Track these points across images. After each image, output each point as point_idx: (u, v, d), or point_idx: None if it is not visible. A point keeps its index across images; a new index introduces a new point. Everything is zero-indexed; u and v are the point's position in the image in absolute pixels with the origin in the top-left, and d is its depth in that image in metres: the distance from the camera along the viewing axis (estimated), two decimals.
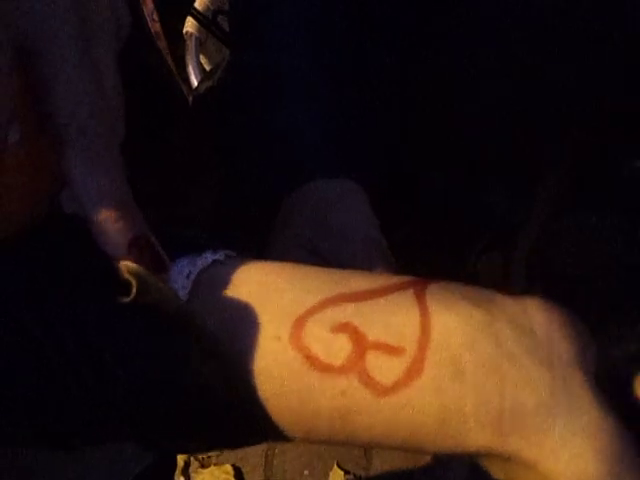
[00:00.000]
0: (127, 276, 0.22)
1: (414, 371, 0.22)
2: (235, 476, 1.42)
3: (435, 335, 0.23)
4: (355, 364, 0.23)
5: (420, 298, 0.24)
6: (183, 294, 0.24)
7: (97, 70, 0.25)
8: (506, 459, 0.22)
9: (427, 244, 0.51)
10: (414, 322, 0.23)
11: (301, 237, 0.37)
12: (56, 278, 0.24)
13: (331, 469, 1.38)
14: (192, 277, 0.25)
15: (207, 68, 0.67)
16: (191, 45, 0.64)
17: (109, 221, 0.23)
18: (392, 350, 0.23)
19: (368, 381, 0.22)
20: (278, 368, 0.23)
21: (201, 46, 0.65)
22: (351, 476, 1.38)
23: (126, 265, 0.23)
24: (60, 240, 0.25)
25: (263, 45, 0.45)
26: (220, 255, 0.27)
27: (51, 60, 0.23)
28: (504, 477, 0.23)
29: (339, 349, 0.23)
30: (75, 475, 0.32)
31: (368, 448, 1.41)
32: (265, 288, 0.25)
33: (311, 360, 0.23)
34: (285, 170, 0.40)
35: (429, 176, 0.48)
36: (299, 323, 0.23)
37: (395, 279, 0.25)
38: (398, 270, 0.36)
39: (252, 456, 1.45)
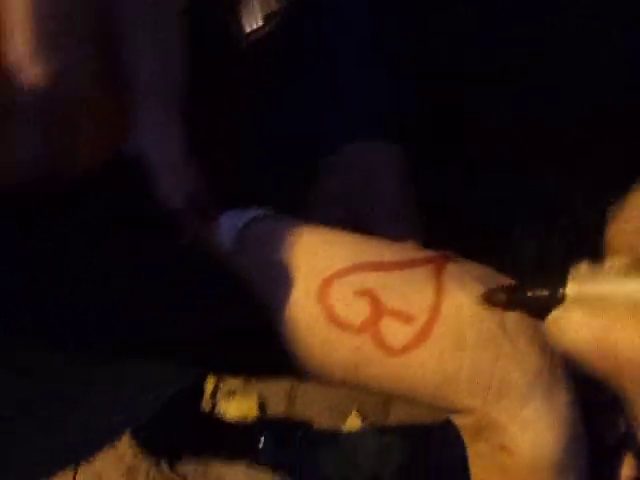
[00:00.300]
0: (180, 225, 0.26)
1: (421, 338, 0.25)
2: (259, 407, 1.50)
3: (445, 309, 0.26)
4: (371, 326, 0.26)
5: (438, 274, 0.27)
6: (229, 243, 0.28)
7: (165, 32, 0.27)
8: (479, 419, 0.25)
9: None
10: (428, 295, 0.26)
11: (340, 197, 0.39)
12: (116, 220, 0.28)
13: (350, 413, 1.45)
14: (238, 228, 0.28)
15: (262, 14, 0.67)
16: None
17: (168, 173, 0.26)
18: (405, 317, 0.26)
19: (380, 342, 0.26)
20: (304, 319, 0.26)
21: None
22: (367, 422, 1.44)
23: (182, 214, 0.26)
24: (121, 187, 0.29)
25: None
26: (263, 212, 0.30)
27: (126, 26, 0.26)
28: (467, 434, 0.26)
29: (359, 311, 0.26)
30: (111, 388, 0.36)
31: (387, 398, 1.47)
32: (301, 247, 0.28)
33: (333, 317, 0.26)
34: (333, 130, 0.41)
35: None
36: (327, 283, 0.27)
37: (419, 254, 0.28)
38: (427, 240, 0.38)
39: (276, 394, 1.53)
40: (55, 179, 0.27)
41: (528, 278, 0.26)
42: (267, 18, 0.55)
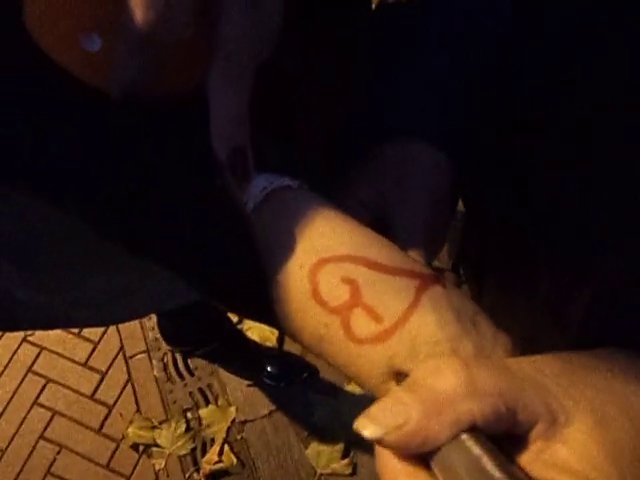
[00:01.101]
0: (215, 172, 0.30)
1: (380, 338, 0.29)
2: (278, 339, 1.58)
3: (410, 322, 0.29)
4: (343, 311, 0.29)
5: (419, 292, 0.30)
6: (253, 203, 0.32)
7: (260, 5, 0.30)
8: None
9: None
10: (402, 305, 0.29)
11: (375, 187, 0.40)
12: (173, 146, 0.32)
13: None
14: (266, 192, 0.32)
15: None
16: None
17: (220, 128, 0.30)
18: (374, 316, 0.29)
19: (346, 327, 0.29)
20: (292, 286, 0.30)
21: None
22: (369, 391, 1.49)
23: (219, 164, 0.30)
24: (190, 118, 0.33)
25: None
26: (296, 183, 0.33)
27: None
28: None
29: (338, 295, 0.29)
30: (137, 278, 0.40)
31: None
32: (313, 225, 0.31)
33: (315, 293, 0.30)
34: (394, 124, 0.42)
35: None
36: (321, 263, 0.30)
37: (413, 266, 0.31)
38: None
39: None
40: (142, 97, 0.31)
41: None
42: None
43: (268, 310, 0.32)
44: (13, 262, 0.57)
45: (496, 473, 0.22)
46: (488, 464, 0.22)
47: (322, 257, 0.30)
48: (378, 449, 0.25)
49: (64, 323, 0.67)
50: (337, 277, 0.30)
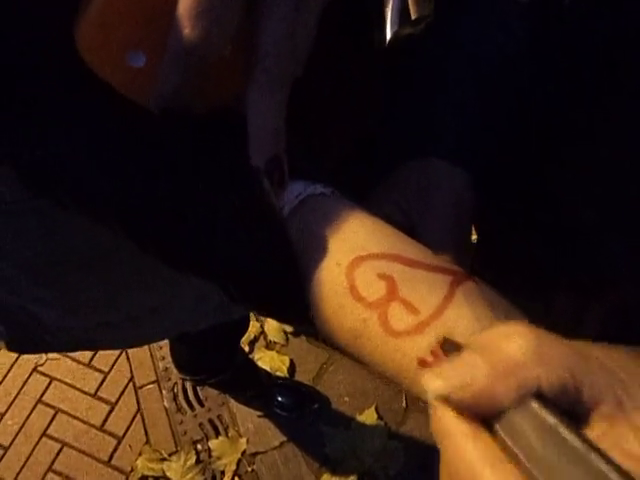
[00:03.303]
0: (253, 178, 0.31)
1: (417, 330, 0.29)
2: (289, 369, 1.57)
3: (446, 314, 0.29)
4: (381, 305, 0.30)
5: (453, 285, 0.31)
6: (288, 208, 0.33)
7: (298, 24, 0.32)
8: None
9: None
10: (438, 298, 0.30)
11: (399, 202, 0.42)
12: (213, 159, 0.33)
13: (369, 408, 1.49)
14: (300, 198, 0.33)
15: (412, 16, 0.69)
16: None
17: (259, 139, 0.31)
18: (412, 309, 0.30)
19: (384, 321, 0.30)
20: (329, 283, 0.31)
21: None
22: (383, 422, 1.48)
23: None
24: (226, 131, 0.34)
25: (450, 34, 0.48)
26: (328, 190, 0.34)
27: (270, 8, 0.30)
28: None
29: (375, 290, 0.30)
30: (167, 296, 0.41)
31: (409, 406, 1.49)
32: (347, 227, 0.32)
33: (353, 288, 0.30)
34: (421, 139, 0.44)
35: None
36: (357, 261, 0.31)
37: (444, 263, 0.32)
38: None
39: (308, 362, 1.60)
40: (183, 111, 0.33)
41: None
42: (416, 22, 0.58)
43: (306, 312, 0.33)
44: (40, 284, 0.57)
45: (575, 441, 0.21)
46: (565, 431, 0.22)
47: (358, 255, 0.31)
48: (438, 410, 0.24)
49: (87, 345, 0.68)
50: (374, 274, 0.31)
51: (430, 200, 0.41)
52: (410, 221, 0.41)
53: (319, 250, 0.32)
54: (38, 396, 1.56)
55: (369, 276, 0.31)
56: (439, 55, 0.47)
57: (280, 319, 0.38)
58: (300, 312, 0.33)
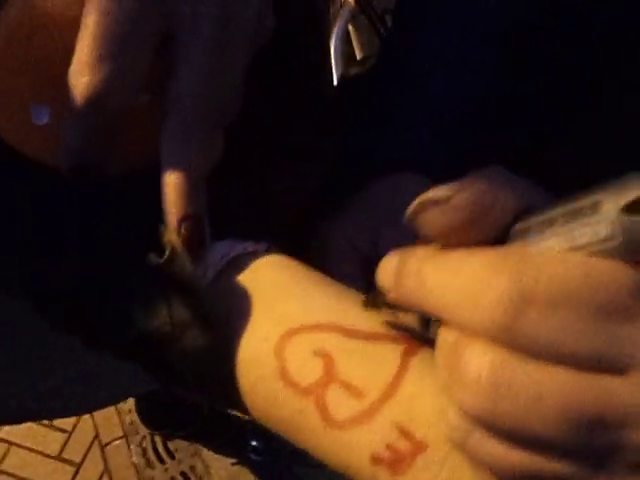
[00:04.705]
0: (165, 241, 0.26)
1: (364, 418, 0.24)
2: None
3: (400, 396, 0.25)
4: (317, 390, 0.25)
5: (406, 358, 0.26)
6: (212, 271, 0.28)
7: (221, 67, 0.28)
8: None
9: None
10: (388, 375, 0.25)
11: (360, 227, 0.38)
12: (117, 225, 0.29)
13: None
14: (226, 259, 0.29)
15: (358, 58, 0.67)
16: (342, 18, 0.62)
17: (173, 193, 0.27)
18: (354, 391, 0.25)
19: (323, 410, 0.25)
20: (255, 365, 0.26)
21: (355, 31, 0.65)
22: None
23: (168, 233, 0.26)
24: (140, 193, 0.30)
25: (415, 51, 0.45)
26: (262, 247, 0.30)
27: (184, 50, 0.26)
28: None
29: (309, 372, 0.25)
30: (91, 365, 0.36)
31: None
32: (278, 291, 0.28)
33: (283, 372, 0.26)
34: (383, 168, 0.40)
35: None
36: (288, 335, 0.26)
37: (392, 332, 0.27)
38: None
39: None
40: (94, 170, 0.28)
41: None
42: (362, 62, 0.56)
43: (232, 397, 0.28)
44: None
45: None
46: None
47: (290, 327, 0.27)
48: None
49: (34, 415, 0.62)
50: (308, 350, 0.26)
51: (398, 220, 0.37)
52: (376, 243, 0.37)
53: (243, 322, 0.27)
54: None
55: (302, 354, 0.26)
56: (393, 92, 0.44)
57: (212, 403, 0.33)
58: (228, 398, 0.28)
